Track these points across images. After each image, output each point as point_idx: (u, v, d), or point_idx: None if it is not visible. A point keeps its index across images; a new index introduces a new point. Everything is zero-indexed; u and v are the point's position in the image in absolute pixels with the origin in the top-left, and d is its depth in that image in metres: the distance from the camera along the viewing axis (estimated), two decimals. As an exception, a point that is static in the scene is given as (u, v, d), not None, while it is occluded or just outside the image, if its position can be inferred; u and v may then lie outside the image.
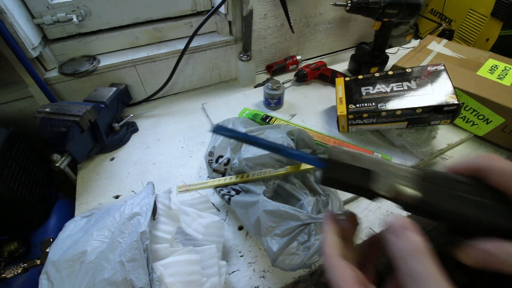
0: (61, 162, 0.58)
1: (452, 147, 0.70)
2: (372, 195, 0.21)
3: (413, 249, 0.17)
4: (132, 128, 0.76)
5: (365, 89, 0.69)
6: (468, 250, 0.19)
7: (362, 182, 0.21)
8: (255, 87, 0.91)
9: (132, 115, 0.76)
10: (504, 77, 0.73)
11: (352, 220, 0.23)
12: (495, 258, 0.17)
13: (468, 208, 0.19)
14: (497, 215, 0.18)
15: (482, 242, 0.18)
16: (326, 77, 0.89)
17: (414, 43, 1.11)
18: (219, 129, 0.27)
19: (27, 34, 0.63)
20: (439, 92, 0.63)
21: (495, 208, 0.19)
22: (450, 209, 0.19)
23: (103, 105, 0.67)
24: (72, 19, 0.67)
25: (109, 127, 0.71)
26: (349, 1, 0.73)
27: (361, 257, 0.23)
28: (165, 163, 0.68)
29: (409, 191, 0.20)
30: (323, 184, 0.22)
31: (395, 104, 0.64)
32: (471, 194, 0.19)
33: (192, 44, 0.77)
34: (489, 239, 0.18)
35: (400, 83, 0.68)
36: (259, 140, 0.25)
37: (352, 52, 1.07)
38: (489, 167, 0.19)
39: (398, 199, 0.20)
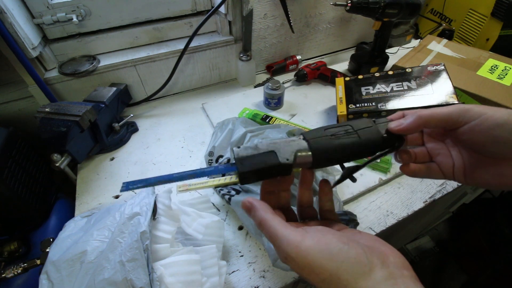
0: (61, 162, 0.58)
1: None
2: (283, 169, 0.26)
3: (258, 223, 0.25)
4: (132, 128, 0.76)
5: (365, 89, 0.69)
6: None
7: (270, 161, 0.26)
8: (255, 87, 0.91)
9: (132, 115, 0.76)
10: (504, 77, 0.74)
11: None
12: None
13: (337, 141, 0.27)
14: (353, 138, 0.27)
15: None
16: (326, 77, 0.89)
17: (414, 43, 1.11)
18: (128, 185, 0.26)
19: (27, 34, 0.63)
20: (439, 92, 0.63)
21: (351, 134, 0.27)
22: (330, 149, 0.27)
23: (103, 105, 0.67)
24: (72, 19, 0.67)
25: (109, 127, 0.71)
26: (349, 1, 0.73)
27: None
28: (165, 163, 0.68)
29: (303, 152, 0.26)
30: (242, 183, 0.26)
31: (395, 104, 0.64)
32: (338, 132, 0.27)
33: (192, 44, 0.76)
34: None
35: (400, 83, 0.68)
36: (172, 176, 0.26)
37: (352, 52, 1.07)
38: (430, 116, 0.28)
39: (298, 160, 0.27)
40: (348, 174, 0.29)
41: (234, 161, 0.27)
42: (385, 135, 0.28)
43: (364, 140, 0.27)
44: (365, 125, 0.28)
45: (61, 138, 0.57)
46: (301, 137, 0.28)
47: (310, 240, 0.22)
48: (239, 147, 0.27)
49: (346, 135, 0.27)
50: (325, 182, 0.31)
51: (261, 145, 0.27)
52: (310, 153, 0.27)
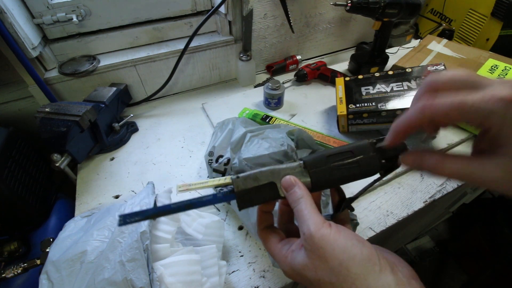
0: (61, 162, 0.58)
1: (452, 147, 0.70)
2: (282, 198, 0.27)
3: (297, 198, 0.25)
4: (132, 128, 0.76)
5: (365, 89, 0.69)
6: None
7: (270, 194, 0.27)
8: (255, 87, 0.91)
9: (132, 115, 0.76)
10: (504, 77, 0.73)
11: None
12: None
13: (337, 172, 0.27)
14: (353, 169, 0.27)
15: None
16: (326, 77, 0.89)
17: (414, 43, 1.11)
18: (125, 219, 0.24)
19: (27, 34, 0.63)
20: (439, 92, 0.63)
21: (351, 164, 0.27)
22: (330, 180, 0.27)
23: (103, 105, 0.67)
24: (72, 19, 0.67)
25: (109, 127, 0.71)
26: (349, 1, 0.73)
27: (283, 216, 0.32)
28: (165, 163, 0.68)
29: (302, 181, 0.27)
30: (242, 209, 0.27)
31: (395, 104, 0.64)
32: (339, 161, 0.27)
33: (192, 44, 0.76)
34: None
35: (400, 83, 0.68)
36: (170, 206, 0.26)
37: (352, 52, 1.07)
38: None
39: None
40: (346, 206, 0.30)
41: (229, 190, 0.27)
42: (384, 161, 0.28)
43: (363, 171, 0.28)
44: (365, 152, 0.28)
45: (61, 138, 0.57)
46: (302, 164, 0.28)
47: (330, 229, 0.24)
48: (238, 177, 0.27)
49: (346, 165, 0.27)
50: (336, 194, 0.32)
51: (260, 176, 0.27)
52: (309, 180, 0.27)
